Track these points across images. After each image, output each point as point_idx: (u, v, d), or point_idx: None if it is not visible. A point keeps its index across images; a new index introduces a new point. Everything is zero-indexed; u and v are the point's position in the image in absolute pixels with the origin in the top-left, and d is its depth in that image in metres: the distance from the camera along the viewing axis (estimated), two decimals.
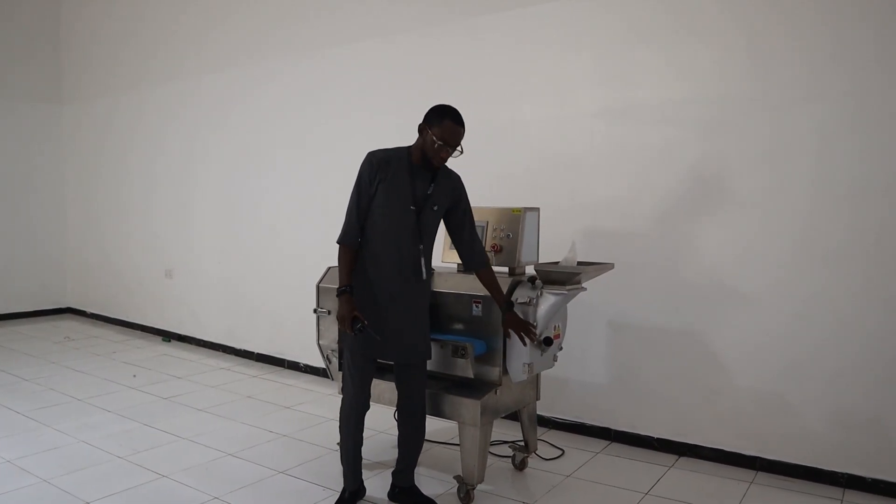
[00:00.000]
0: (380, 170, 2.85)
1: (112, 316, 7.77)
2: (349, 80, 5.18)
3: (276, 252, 5.73)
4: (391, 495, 3.24)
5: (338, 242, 2.92)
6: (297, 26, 5.54)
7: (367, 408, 3.11)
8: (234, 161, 6.13)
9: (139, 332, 7.32)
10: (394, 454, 3.74)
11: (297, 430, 4.16)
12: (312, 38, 5.43)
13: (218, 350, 6.39)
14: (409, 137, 4.79)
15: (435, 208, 2.93)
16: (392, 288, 2.91)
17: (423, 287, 2.99)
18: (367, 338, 2.84)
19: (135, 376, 5.41)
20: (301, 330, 5.12)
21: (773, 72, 3.40)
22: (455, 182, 3.03)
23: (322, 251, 4.41)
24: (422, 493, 3.19)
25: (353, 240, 2.89)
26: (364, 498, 3.23)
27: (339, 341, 3.20)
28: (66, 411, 4.49)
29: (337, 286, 2.89)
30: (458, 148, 2.88)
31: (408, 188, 2.87)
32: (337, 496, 3.19)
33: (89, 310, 8.14)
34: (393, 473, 3.25)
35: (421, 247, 2.91)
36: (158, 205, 7.03)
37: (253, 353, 6.03)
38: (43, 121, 8.15)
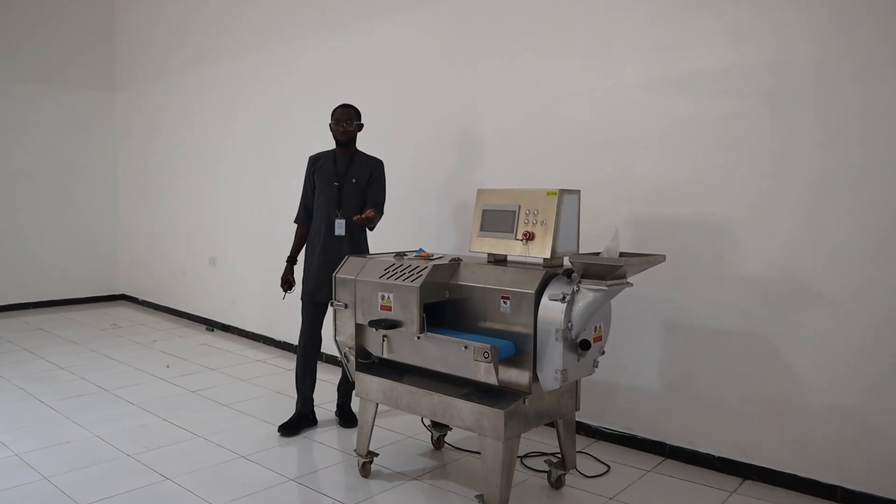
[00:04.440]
0: (313, 164, 3.97)
1: (161, 304, 7.73)
2: (384, 57, 4.84)
3: None
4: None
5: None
6: (330, 4, 5.23)
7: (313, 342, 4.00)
8: (273, 144, 5.91)
9: (186, 320, 7.23)
10: (420, 463, 3.40)
11: (319, 431, 3.88)
12: (346, 15, 5.12)
13: (258, 341, 6.20)
14: (442, 110, 4.48)
15: (354, 181, 3.83)
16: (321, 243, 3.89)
17: (342, 242, 3.84)
18: (309, 285, 3.91)
19: (168, 367, 5.26)
20: None
21: (860, 30, 2.84)
22: (376, 167, 3.92)
23: None
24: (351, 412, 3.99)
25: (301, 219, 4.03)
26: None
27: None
28: (90, 402, 4.34)
29: (353, 276, 3.18)
30: (351, 121, 3.83)
31: (332, 170, 3.87)
32: None
33: (141, 297, 8.14)
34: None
35: (339, 211, 3.83)
36: (201, 190, 6.90)
37: (292, 345, 5.79)
38: (96, 108, 8.18)
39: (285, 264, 4.01)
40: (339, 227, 3.83)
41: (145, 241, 7.98)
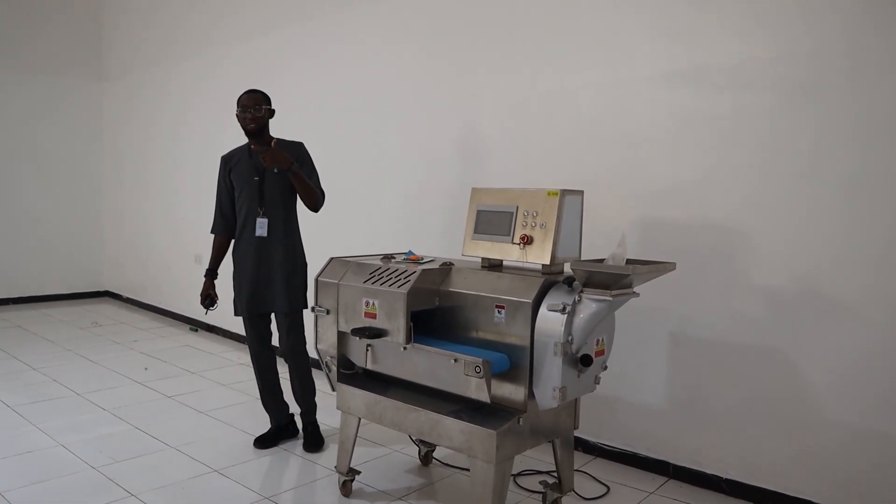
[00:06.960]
0: (226, 164, 3.60)
1: (146, 301, 7.48)
2: (378, 42, 4.60)
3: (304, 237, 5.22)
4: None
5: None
6: None
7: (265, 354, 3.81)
8: None
9: (170, 319, 6.99)
10: (406, 481, 3.16)
11: (299, 442, 3.63)
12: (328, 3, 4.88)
13: (244, 342, 5.93)
14: (434, 105, 4.25)
15: (276, 171, 3.43)
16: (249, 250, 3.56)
17: (272, 244, 3.52)
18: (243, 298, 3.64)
19: (146, 369, 5.01)
20: None
21: (890, 19, 2.61)
22: (295, 149, 3.52)
23: (345, 239, 3.88)
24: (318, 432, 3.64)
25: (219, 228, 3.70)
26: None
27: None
28: (59, 407, 4.09)
29: (336, 280, 2.93)
30: (259, 106, 3.44)
31: (249, 165, 3.51)
32: None
33: (125, 294, 7.88)
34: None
35: (261, 209, 3.47)
36: (189, 183, 6.64)
37: (278, 348, 5.54)
38: (81, 97, 7.92)
39: (204, 279, 3.67)
40: (261, 227, 3.48)
41: (130, 236, 7.72)
